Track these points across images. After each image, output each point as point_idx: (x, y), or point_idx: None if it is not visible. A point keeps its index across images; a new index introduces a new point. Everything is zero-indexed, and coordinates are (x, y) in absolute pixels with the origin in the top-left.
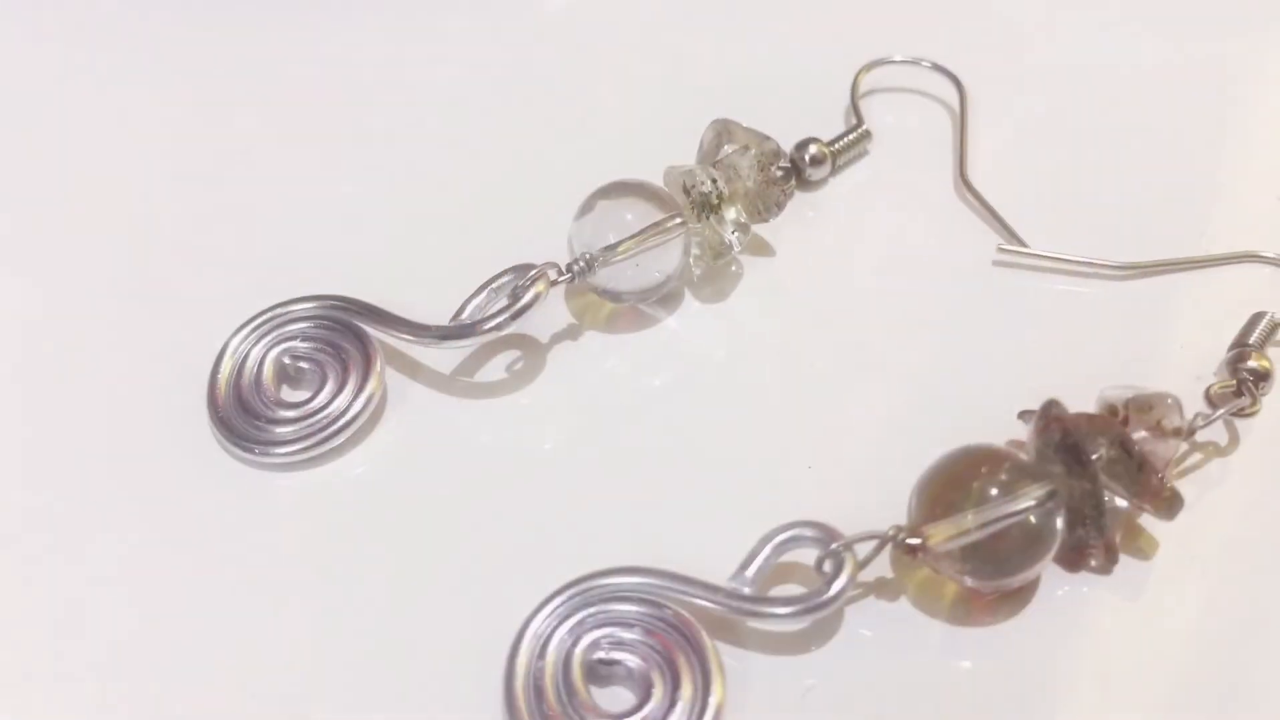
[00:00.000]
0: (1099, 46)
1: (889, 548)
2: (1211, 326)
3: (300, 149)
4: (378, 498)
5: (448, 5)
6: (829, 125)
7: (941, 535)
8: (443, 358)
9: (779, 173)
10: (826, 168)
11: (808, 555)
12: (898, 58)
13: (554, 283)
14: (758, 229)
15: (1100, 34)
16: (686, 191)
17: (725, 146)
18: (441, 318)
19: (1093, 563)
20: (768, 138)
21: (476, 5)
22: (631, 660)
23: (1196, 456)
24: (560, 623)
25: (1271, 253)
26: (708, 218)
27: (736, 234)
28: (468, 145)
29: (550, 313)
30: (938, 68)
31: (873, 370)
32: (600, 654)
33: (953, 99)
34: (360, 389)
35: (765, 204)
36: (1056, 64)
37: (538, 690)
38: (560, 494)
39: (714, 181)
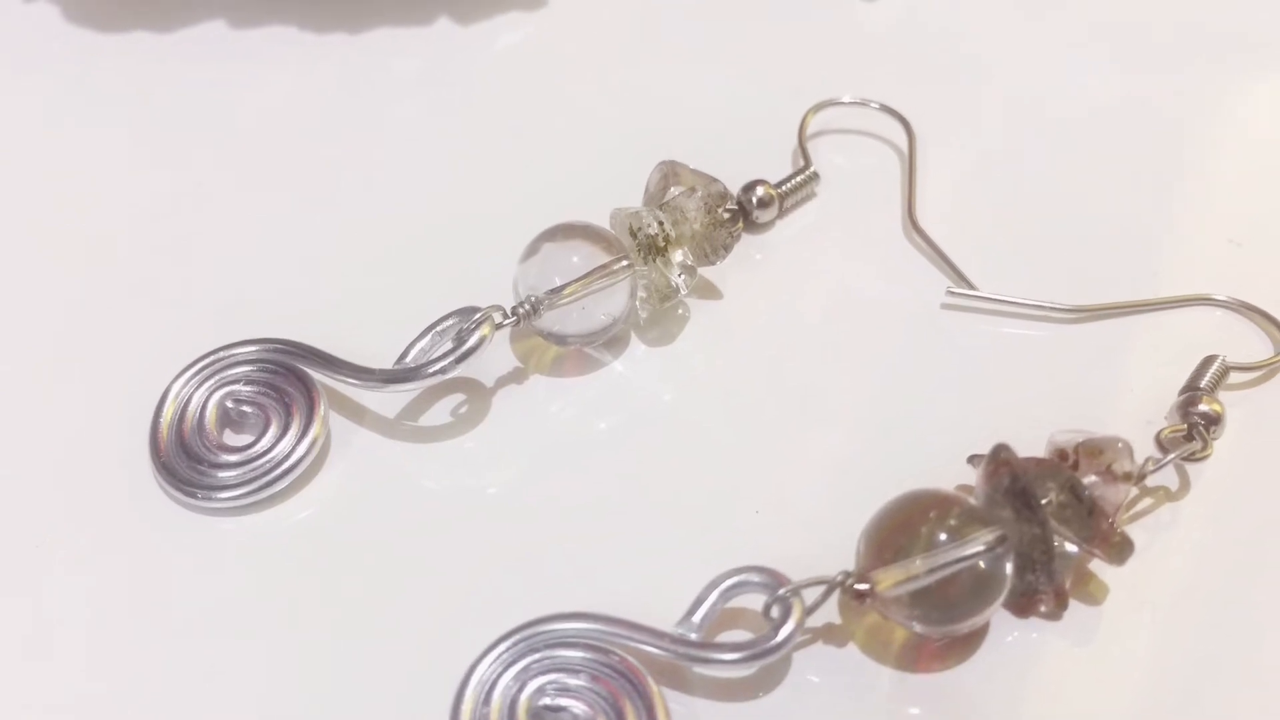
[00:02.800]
0: (1050, 87)
1: (837, 593)
2: (1163, 370)
3: (244, 190)
4: (322, 542)
5: (396, 46)
6: (776, 167)
7: (890, 580)
8: (387, 401)
9: (726, 215)
10: (774, 210)
11: (755, 601)
12: (846, 99)
13: (499, 326)
14: (705, 272)
15: (1051, 75)
16: (633, 234)
17: (672, 188)
18: (386, 361)
19: (1042, 608)
20: (714, 180)
21: (425, 45)
22: (577, 707)
23: (1147, 501)
24: (505, 669)
25: (1223, 296)
26: (654, 260)
27: (683, 277)
28: (412, 186)
29: (495, 356)
30: (886, 109)
31: (821, 414)
32: (546, 700)
33: (901, 140)
34: (304, 433)
35: (712, 246)
36: (1006, 105)
37: None
38: (505, 539)
39: (660, 224)
